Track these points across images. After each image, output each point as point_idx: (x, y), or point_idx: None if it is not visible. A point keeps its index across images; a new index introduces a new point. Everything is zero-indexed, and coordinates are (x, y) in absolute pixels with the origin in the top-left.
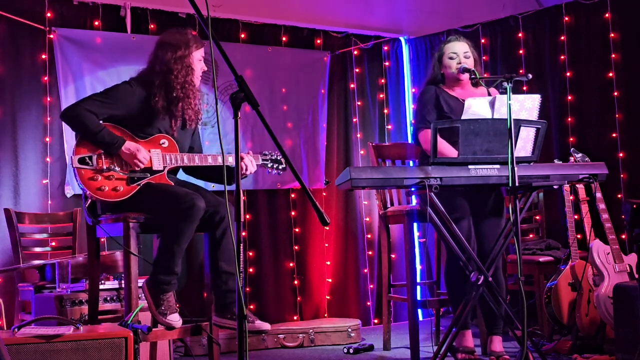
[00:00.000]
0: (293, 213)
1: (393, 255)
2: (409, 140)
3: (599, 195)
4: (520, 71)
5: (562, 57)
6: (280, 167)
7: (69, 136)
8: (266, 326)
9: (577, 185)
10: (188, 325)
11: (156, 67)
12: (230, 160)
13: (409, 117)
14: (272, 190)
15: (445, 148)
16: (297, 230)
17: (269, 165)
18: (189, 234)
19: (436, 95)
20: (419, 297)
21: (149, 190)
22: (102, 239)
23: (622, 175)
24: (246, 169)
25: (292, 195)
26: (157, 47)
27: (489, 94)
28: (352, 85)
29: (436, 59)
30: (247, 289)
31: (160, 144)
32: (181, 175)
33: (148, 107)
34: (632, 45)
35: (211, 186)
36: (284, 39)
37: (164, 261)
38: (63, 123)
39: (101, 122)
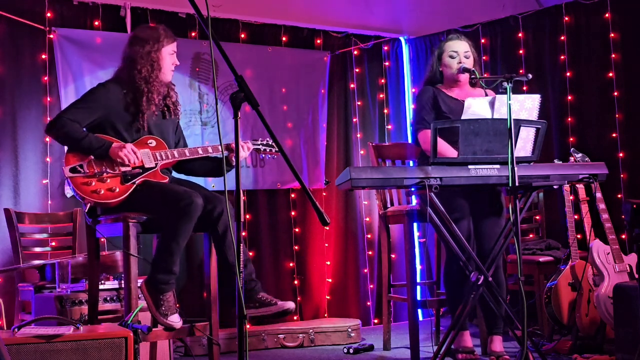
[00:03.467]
0: (293, 213)
1: (393, 255)
2: (409, 140)
3: (599, 195)
4: (520, 71)
5: (562, 57)
6: (274, 150)
7: None
8: (290, 305)
9: (577, 185)
10: (188, 325)
11: (125, 62)
12: (220, 150)
13: (409, 117)
14: (272, 190)
15: (445, 148)
16: (297, 230)
17: (262, 150)
18: (187, 232)
19: (434, 96)
20: (419, 297)
21: (146, 189)
22: (102, 239)
23: (622, 175)
24: (234, 157)
25: (292, 195)
26: (128, 43)
27: (486, 95)
28: (352, 85)
29: (436, 57)
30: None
31: (147, 144)
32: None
33: (126, 103)
34: (632, 45)
35: (211, 186)
36: (284, 39)
37: (163, 260)
38: None
39: (84, 129)
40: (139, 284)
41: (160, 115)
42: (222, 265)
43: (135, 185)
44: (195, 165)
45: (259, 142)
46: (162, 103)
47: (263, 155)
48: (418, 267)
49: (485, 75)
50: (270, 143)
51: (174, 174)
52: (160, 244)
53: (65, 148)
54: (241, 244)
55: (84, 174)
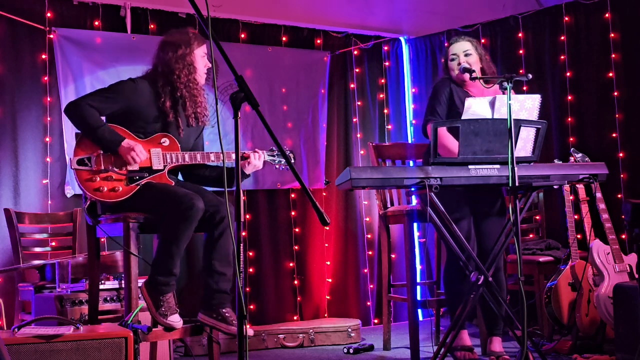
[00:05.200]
0: (293, 213)
1: (393, 255)
2: (409, 140)
3: (599, 195)
4: (520, 71)
5: (562, 57)
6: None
7: (69, 136)
8: (249, 332)
9: (577, 185)
10: (188, 326)
11: (159, 67)
12: (233, 157)
13: (409, 117)
14: (272, 190)
15: (450, 142)
16: (297, 230)
17: (277, 162)
18: (188, 235)
19: (450, 90)
20: (419, 297)
21: (148, 190)
22: (102, 239)
23: (622, 175)
24: (248, 165)
25: (292, 195)
26: (159, 48)
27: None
28: (352, 85)
29: (444, 64)
30: (247, 289)
31: (160, 143)
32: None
33: (155, 107)
34: (632, 45)
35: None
36: (284, 39)
37: (163, 262)
38: (63, 122)
39: (103, 119)
40: (139, 284)
41: (186, 121)
42: (205, 268)
43: (138, 187)
44: (206, 174)
45: (275, 154)
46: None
47: (277, 167)
48: (418, 267)
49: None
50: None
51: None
52: (160, 246)
53: (75, 140)
54: (240, 244)
55: (90, 167)
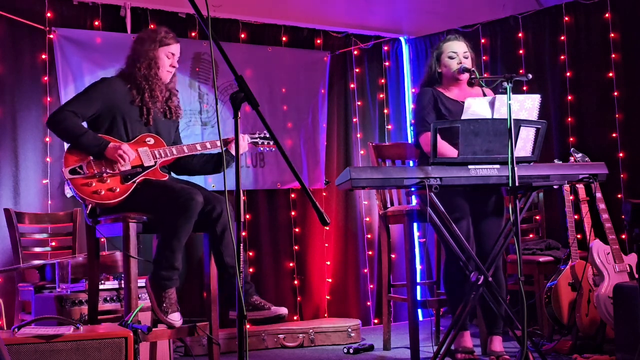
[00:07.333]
0: (293, 213)
1: (393, 255)
2: (409, 141)
3: (599, 195)
4: (520, 71)
5: (562, 57)
6: (271, 143)
7: None
8: (283, 310)
9: (577, 185)
10: (188, 325)
11: (128, 60)
12: (218, 145)
13: (409, 117)
14: (272, 190)
15: (446, 149)
16: (297, 230)
17: (259, 143)
18: (188, 228)
19: (434, 98)
20: (419, 297)
21: (146, 187)
22: (102, 239)
23: (622, 175)
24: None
25: (292, 195)
26: (132, 44)
27: (484, 94)
28: (352, 85)
29: (434, 58)
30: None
31: (146, 142)
32: None
33: (130, 98)
34: (632, 45)
35: (211, 186)
36: (284, 39)
37: (165, 257)
38: None
39: (85, 124)
40: (139, 284)
41: (162, 114)
42: (218, 266)
43: (135, 185)
44: (194, 162)
45: (257, 135)
46: (165, 104)
47: (261, 149)
48: (418, 267)
49: (485, 75)
50: (267, 135)
51: (173, 175)
52: (161, 241)
53: (65, 147)
54: (240, 244)
55: (83, 175)
